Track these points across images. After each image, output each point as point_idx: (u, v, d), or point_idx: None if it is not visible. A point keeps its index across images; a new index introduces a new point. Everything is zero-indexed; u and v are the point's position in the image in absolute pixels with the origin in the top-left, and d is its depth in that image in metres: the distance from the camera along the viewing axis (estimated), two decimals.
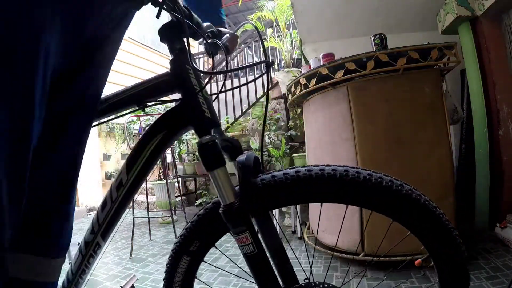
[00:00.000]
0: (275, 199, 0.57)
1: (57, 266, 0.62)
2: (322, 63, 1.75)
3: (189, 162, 3.70)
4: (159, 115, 0.63)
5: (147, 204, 2.55)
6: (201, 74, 0.63)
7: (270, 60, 0.64)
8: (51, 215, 0.60)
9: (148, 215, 2.45)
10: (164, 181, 2.77)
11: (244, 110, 3.91)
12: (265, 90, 4.05)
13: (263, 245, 0.55)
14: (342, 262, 1.62)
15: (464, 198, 2.04)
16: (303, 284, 0.59)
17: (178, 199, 3.59)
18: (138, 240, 2.43)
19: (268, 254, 0.57)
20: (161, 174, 3.50)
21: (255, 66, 5.57)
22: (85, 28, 0.56)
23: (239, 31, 0.83)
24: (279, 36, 4.41)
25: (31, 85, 0.47)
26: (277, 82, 3.96)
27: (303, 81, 1.78)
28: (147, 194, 2.52)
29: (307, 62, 2.85)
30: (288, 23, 4.35)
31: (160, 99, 0.67)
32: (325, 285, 0.58)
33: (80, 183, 3.77)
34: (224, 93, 4.19)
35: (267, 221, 0.61)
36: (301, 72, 2.34)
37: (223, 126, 3.79)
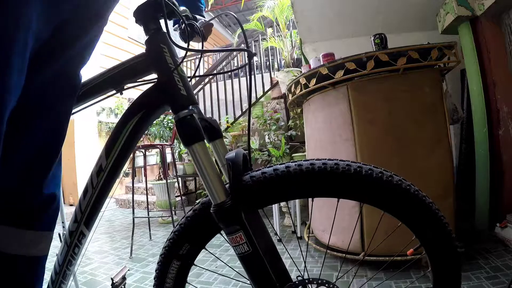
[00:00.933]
0: (266, 196, 0.56)
1: (42, 240, 0.62)
2: (322, 63, 1.75)
3: (189, 162, 3.70)
4: (137, 97, 0.62)
5: (147, 204, 2.55)
6: (177, 54, 0.62)
7: (252, 51, 0.64)
8: (31, 188, 0.60)
9: (148, 215, 2.46)
10: (164, 181, 2.77)
11: (244, 110, 3.92)
12: (266, 89, 4.03)
13: (256, 243, 0.54)
14: (341, 262, 1.62)
15: (464, 198, 2.04)
16: (296, 282, 0.58)
17: (178, 199, 3.59)
18: (138, 240, 2.43)
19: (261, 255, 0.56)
20: (161, 174, 3.50)
21: (255, 66, 5.57)
22: (65, 7, 0.57)
23: (236, 34, 0.84)
24: (279, 36, 4.41)
25: (9, 51, 0.47)
26: (277, 82, 3.96)
27: (303, 81, 1.78)
28: (147, 194, 2.52)
29: (307, 62, 2.85)
30: (288, 23, 4.35)
31: (138, 81, 0.66)
32: (319, 281, 0.58)
33: (80, 183, 3.77)
34: (224, 93, 4.19)
35: (257, 219, 0.60)
36: (301, 72, 2.34)
37: (223, 126, 3.79)
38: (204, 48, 0.71)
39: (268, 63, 5.21)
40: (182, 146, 3.95)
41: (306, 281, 0.58)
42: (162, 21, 0.61)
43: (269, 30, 4.52)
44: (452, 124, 1.75)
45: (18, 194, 0.58)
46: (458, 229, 1.52)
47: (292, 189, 0.55)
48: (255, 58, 5.43)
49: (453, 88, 2.09)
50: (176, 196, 3.53)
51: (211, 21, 0.81)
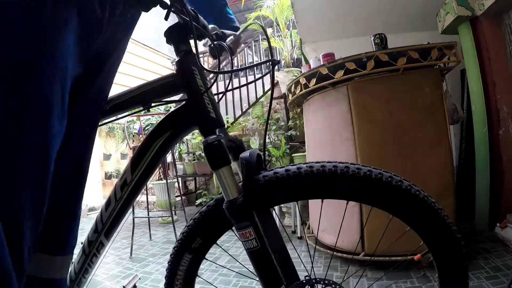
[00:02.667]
0: (277, 195, 0.58)
1: (68, 262, 0.64)
2: (322, 63, 1.75)
3: (189, 162, 3.70)
4: (164, 115, 0.64)
5: (147, 204, 2.55)
6: (207, 76, 0.64)
7: (276, 59, 0.65)
8: (63, 216, 0.62)
9: (148, 215, 2.46)
10: (164, 181, 2.77)
11: (244, 110, 3.91)
12: (266, 89, 4.04)
13: (266, 241, 0.55)
14: (342, 262, 1.62)
15: (464, 198, 2.04)
16: (304, 281, 0.59)
17: (178, 199, 3.59)
18: (138, 240, 2.43)
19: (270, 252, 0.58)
20: (161, 174, 3.50)
21: (256, 65, 5.57)
22: (94, 45, 0.58)
23: (241, 31, 0.84)
24: (279, 36, 4.41)
25: (50, 99, 0.48)
26: (277, 82, 3.96)
27: (303, 81, 1.78)
28: (147, 194, 2.52)
29: (307, 62, 2.85)
30: (288, 23, 4.35)
31: (165, 100, 0.67)
32: (326, 282, 0.60)
33: None
34: (224, 93, 4.18)
35: (269, 218, 0.61)
36: (301, 72, 2.34)
37: None
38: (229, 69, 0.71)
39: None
40: (182, 146, 3.95)
41: (314, 281, 0.60)
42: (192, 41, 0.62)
43: (269, 30, 4.52)
44: (452, 124, 1.75)
45: (60, 223, 0.61)
46: (458, 229, 1.52)
47: (303, 189, 0.57)
48: (255, 58, 5.44)
49: (453, 88, 2.09)
50: (176, 196, 3.54)
51: (240, 34, 0.82)
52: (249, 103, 3.91)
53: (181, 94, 0.66)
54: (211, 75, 0.62)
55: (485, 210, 1.85)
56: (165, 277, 0.68)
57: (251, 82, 0.80)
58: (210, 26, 0.73)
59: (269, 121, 3.27)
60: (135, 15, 0.65)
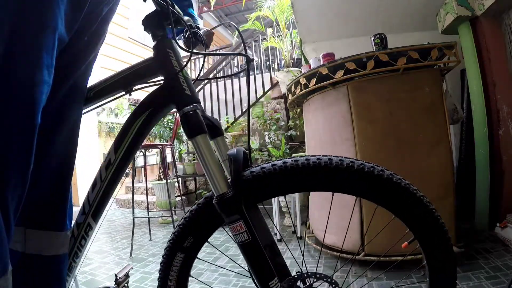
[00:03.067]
0: (265, 189, 0.59)
1: (67, 238, 0.66)
2: (322, 63, 1.75)
3: (189, 162, 3.70)
4: (145, 97, 0.67)
5: (147, 204, 2.55)
6: (181, 57, 0.67)
7: (250, 56, 0.69)
8: (60, 192, 0.64)
9: (148, 215, 2.45)
10: (164, 181, 2.77)
11: (244, 110, 3.91)
12: (266, 89, 4.03)
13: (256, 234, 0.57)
14: (342, 262, 1.62)
15: (464, 198, 2.04)
16: (295, 276, 0.61)
17: (178, 199, 3.59)
18: (138, 240, 2.43)
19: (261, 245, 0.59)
20: (161, 174, 3.49)
21: (255, 66, 5.57)
22: (81, 13, 0.61)
23: (214, 28, 0.89)
24: (279, 36, 4.41)
25: (40, 49, 0.51)
26: (277, 82, 3.96)
27: (303, 81, 1.78)
28: (147, 194, 2.52)
29: (307, 62, 2.85)
30: (288, 23, 4.35)
31: (145, 83, 0.71)
32: (317, 275, 0.61)
33: (80, 183, 3.77)
34: (224, 93, 4.19)
35: (257, 213, 0.63)
36: (301, 72, 2.34)
37: (223, 126, 3.79)
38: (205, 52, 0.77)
39: (268, 63, 5.21)
40: (182, 146, 3.96)
41: (305, 275, 0.61)
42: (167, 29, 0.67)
43: (269, 30, 4.52)
44: (452, 124, 1.75)
45: (51, 201, 0.63)
46: (458, 229, 1.52)
47: (290, 183, 0.58)
48: (255, 58, 5.44)
49: (453, 88, 2.09)
50: (176, 196, 3.53)
51: (212, 30, 0.88)
52: (248, 103, 3.91)
53: (159, 76, 0.70)
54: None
55: (485, 210, 1.85)
56: (158, 279, 0.68)
57: (228, 76, 0.85)
58: (185, 17, 0.76)
59: (269, 122, 3.28)
60: None
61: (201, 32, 0.80)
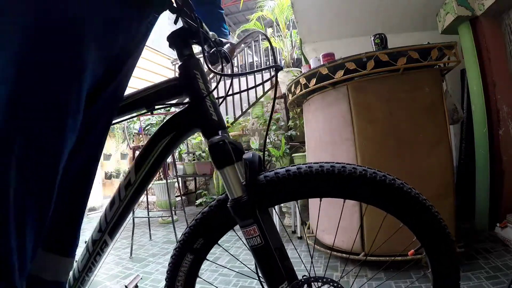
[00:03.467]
0: (278, 194, 0.60)
1: (71, 266, 0.65)
2: (322, 63, 1.75)
3: (189, 162, 3.70)
4: (167, 116, 0.65)
5: (147, 204, 2.55)
6: (208, 79, 0.66)
7: (280, 65, 0.67)
8: (73, 217, 0.63)
9: (148, 215, 2.45)
10: (164, 181, 2.77)
11: (244, 110, 3.91)
12: (266, 89, 4.05)
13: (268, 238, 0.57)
14: (342, 262, 1.62)
15: (464, 198, 2.04)
16: (302, 280, 0.61)
17: (178, 199, 3.59)
18: (138, 240, 2.43)
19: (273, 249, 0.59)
20: (161, 174, 3.49)
21: (259, 71, 5.57)
22: (116, 46, 0.59)
23: (239, 43, 0.88)
24: (279, 36, 4.41)
25: (67, 100, 0.49)
26: (277, 82, 3.95)
27: (303, 81, 1.78)
28: (147, 194, 2.52)
29: (307, 62, 2.85)
30: (288, 23, 4.35)
31: (168, 103, 0.69)
32: (324, 280, 0.61)
33: None
34: (224, 94, 4.18)
35: (269, 217, 0.63)
36: (301, 72, 2.34)
37: None
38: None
39: (268, 63, 5.21)
40: (182, 146, 3.95)
41: (312, 279, 0.61)
42: (194, 46, 0.65)
43: (269, 30, 4.52)
44: (452, 124, 1.75)
45: (65, 222, 0.61)
46: (458, 229, 1.52)
47: (302, 189, 0.59)
48: (255, 58, 5.44)
49: (453, 88, 2.09)
50: (176, 196, 3.54)
51: (236, 45, 0.86)
52: (249, 103, 3.91)
53: (184, 97, 0.68)
54: (211, 75, 0.63)
55: (485, 210, 1.85)
56: (165, 279, 0.68)
57: (253, 87, 0.82)
58: (211, 33, 0.75)
59: (266, 120, 3.29)
60: (150, 18, 0.67)
61: (224, 48, 0.77)
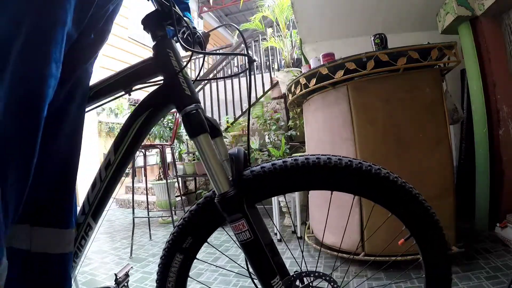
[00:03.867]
0: (265, 189, 0.60)
1: (73, 236, 0.66)
2: (322, 63, 1.75)
3: (189, 162, 3.70)
4: (145, 96, 0.67)
5: (147, 204, 2.55)
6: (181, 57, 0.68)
7: (252, 57, 0.69)
8: (65, 189, 0.64)
9: (148, 215, 2.45)
10: (164, 181, 2.77)
11: (244, 110, 3.92)
12: (266, 89, 4.03)
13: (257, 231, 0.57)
14: (342, 262, 1.62)
15: (464, 198, 2.04)
16: (294, 275, 0.61)
17: (178, 199, 3.59)
18: (138, 240, 2.43)
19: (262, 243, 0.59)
20: (161, 174, 3.49)
21: (255, 66, 5.57)
22: (88, 13, 0.62)
23: (210, 31, 0.90)
24: (279, 36, 4.41)
25: (51, 43, 0.53)
26: (277, 82, 3.96)
27: (303, 81, 1.78)
28: (147, 194, 2.52)
29: (307, 62, 2.85)
30: (288, 23, 4.34)
31: (145, 83, 0.71)
32: (316, 274, 0.61)
33: (80, 183, 3.76)
34: (224, 93, 4.19)
35: (256, 214, 0.63)
36: (301, 72, 2.34)
37: (223, 126, 3.79)
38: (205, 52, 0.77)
39: (268, 63, 5.22)
40: (182, 146, 3.95)
41: (303, 274, 0.61)
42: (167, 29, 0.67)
43: (269, 30, 4.52)
44: (452, 124, 1.75)
45: (57, 198, 0.62)
46: (458, 229, 1.52)
47: (289, 182, 0.59)
48: (255, 58, 5.43)
49: (453, 88, 2.09)
50: (176, 196, 3.53)
51: (211, 31, 0.89)
52: (249, 103, 3.91)
53: (160, 77, 0.69)
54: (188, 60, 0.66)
55: (485, 210, 1.85)
56: (156, 280, 0.67)
57: (228, 76, 0.86)
58: (185, 18, 0.77)
59: (269, 122, 3.29)
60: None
61: (200, 32, 0.80)
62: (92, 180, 0.67)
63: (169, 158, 3.57)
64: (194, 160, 3.67)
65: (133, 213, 2.20)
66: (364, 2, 2.40)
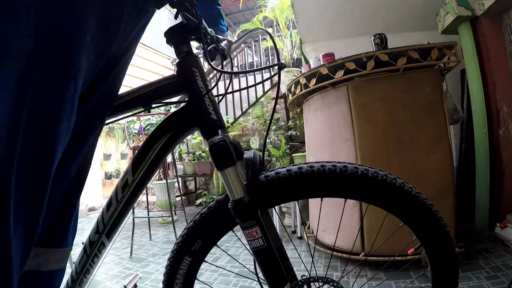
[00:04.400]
0: (279, 194, 0.59)
1: (68, 253, 0.64)
2: (322, 63, 1.75)
3: (189, 162, 3.70)
4: (165, 115, 0.64)
5: (147, 204, 2.55)
6: (207, 78, 0.64)
7: (283, 63, 0.65)
8: (67, 210, 0.61)
9: (148, 215, 2.45)
10: (164, 181, 2.77)
11: (244, 110, 3.92)
12: (266, 89, 4.04)
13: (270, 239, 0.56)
14: (342, 262, 1.62)
15: (464, 198, 2.04)
16: (302, 280, 0.60)
17: (178, 199, 3.59)
18: (138, 240, 2.43)
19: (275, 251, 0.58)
20: (161, 174, 3.49)
21: (255, 66, 5.57)
22: (112, 45, 0.57)
23: (236, 34, 0.86)
24: (279, 36, 4.41)
25: (61, 104, 0.48)
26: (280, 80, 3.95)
27: (303, 81, 1.78)
28: (147, 194, 2.52)
29: (307, 62, 2.85)
30: (288, 23, 4.35)
31: (166, 101, 0.67)
32: (324, 280, 0.61)
33: None
34: (224, 95, 4.19)
35: (269, 218, 0.62)
36: (301, 72, 2.34)
37: None
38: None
39: (268, 63, 5.21)
40: (182, 146, 3.96)
41: (312, 279, 0.60)
42: (191, 43, 0.63)
43: (269, 30, 4.52)
44: (452, 124, 1.75)
45: (59, 219, 0.60)
46: (458, 229, 1.52)
47: (303, 189, 0.58)
48: (255, 58, 5.44)
49: (453, 88, 2.09)
50: (176, 196, 3.54)
51: (234, 43, 0.84)
52: (249, 103, 3.91)
53: (182, 96, 0.66)
54: (211, 75, 0.61)
55: (485, 210, 1.85)
56: (163, 282, 0.66)
57: (253, 85, 0.80)
58: (209, 29, 0.73)
59: (267, 121, 3.29)
60: (149, 14, 0.65)
61: (222, 44, 0.75)
62: (107, 199, 0.65)
63: (169, 158, 3.57)
64: (194, 160, 3.67)
65: (133, 213, 2.20)
66: (364, 2, 2.40)
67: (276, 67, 0.62)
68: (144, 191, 2.47)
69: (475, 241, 1.65)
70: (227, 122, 3.83)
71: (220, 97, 0.71)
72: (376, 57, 1.48)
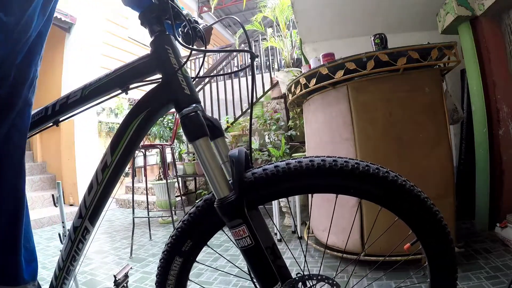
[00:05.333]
0: (268, 191, 0.57)
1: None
2: (322, 63, 1.75)
3: (189, 162, 3.70)
4: (142, 96, 0.64)
5: (147, 204, 2.55)
6: (181, 55, 0.64)
7: (255, 53, 0.66)
8: (8, 242, 0.59)
9: (148, 215, 2.45)
10: (164, 181, 2.77)
11: (244, 110, 3.92)
12: (266, 89, 4.03)
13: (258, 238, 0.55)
14: (342, 262, 1.62)
15: (464, 198, 2.04)
16: (296, 278, 0.59)
17: (178, 199, 3.59)
18: (138, 240, 2.43)
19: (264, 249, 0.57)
20: (161, 174, 3.49)
21: (256, 66, 5.56)
22: (23, 25, 0.57)
23: (213, 24, 0.85)
24: (279, 36, 4.41)
25: None
26: (277, 82, 3.96)
27: (303, 81, 1.78)
28: (147, 194, 2.52)
29: (307, 62, 2.85)
30: (288, 23, 4.34)
31: (142, 81, 0.67)
32: (319, 277, 0.60)
33: (80, 184, 3.77)
34: (224, 93, 4.20)
35: (258, 215, 0.61)
36: (301, 72, 2.34)
37: (223, 126, 3.79)
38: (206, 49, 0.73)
39: (268, 63, 5.22)
40: (182, 146, 3.96)
41: (306, 277, 0.60)
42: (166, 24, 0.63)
43: (269, 30, 4.52)
44: (452, 124, 1.75)
45: (5, 254, 0.58)
46: (458, 229, 1.52)
47: (293, 185, 0.56)
48: (256, 59, 5.43)
49: (453, 88, 2.09)
50: (176, 196, 3.53)
51: (212, 25, 0.82)
52: (249, 103, 3.91)
53: (157, 74, 0.67)
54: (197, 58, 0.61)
55: (485, 210, 1.84)
56: (155, 283, 0.66)
57: (229, 73, 0.80)
58: (184, 11, 0.73)
59: (269, 122, 3.29)
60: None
61: (200, 27, 0.74)
62: (88, 182, 0.65)
63: (169, 158, 3.57)
64: (194, 160, 3.67)
65: (133, 213, 2.20)
66: (364, 2, 2.40)
67: (251, 55, 0.64)
68: (144, 191, 2.47)
69: (475, 241, 1.65)
70: (227, 122, 3.83)
71: (194, 79, 0.70)
72: (376, 57, 1.48)
